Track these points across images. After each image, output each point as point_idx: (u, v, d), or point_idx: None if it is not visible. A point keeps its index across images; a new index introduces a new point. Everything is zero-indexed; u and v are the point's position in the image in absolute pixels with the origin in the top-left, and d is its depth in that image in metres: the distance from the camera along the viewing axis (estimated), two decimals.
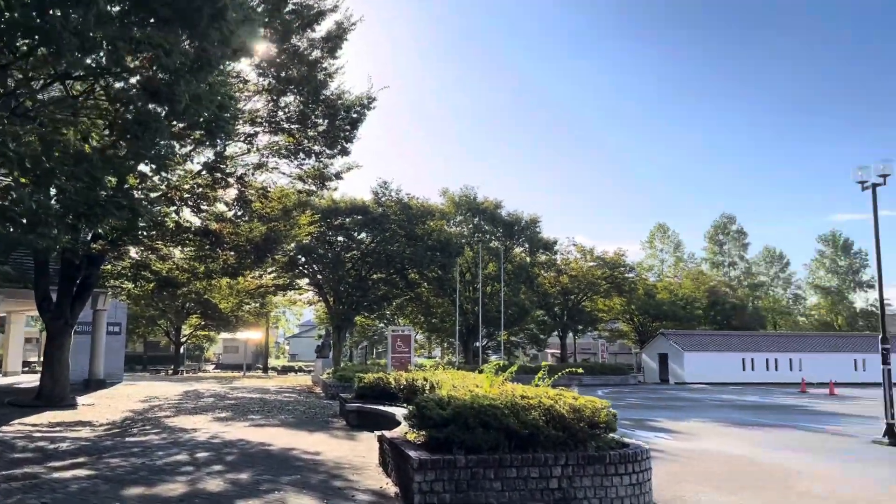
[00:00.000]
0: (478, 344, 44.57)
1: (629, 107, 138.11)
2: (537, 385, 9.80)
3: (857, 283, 78.85)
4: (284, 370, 63.13)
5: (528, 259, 50.60)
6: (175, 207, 20.62)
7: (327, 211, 39.10)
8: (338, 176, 24.09)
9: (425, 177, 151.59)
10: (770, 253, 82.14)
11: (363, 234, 42.90)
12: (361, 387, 17.01)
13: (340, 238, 42.93)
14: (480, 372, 11.95)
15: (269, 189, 23.10)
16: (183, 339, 56.51)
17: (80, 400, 20.83)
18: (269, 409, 20.03)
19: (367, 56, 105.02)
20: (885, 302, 64.71)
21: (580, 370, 17.86)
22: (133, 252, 24.62)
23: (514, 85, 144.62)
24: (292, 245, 32.85)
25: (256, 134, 21.98)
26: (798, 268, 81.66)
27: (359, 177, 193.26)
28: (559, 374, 11.73)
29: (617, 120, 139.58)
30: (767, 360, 49.76)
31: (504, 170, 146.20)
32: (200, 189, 21.48)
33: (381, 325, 63.59)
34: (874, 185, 15.52)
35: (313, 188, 24.72)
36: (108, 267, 24.62)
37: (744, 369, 48.77)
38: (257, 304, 51.62)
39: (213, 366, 70.52)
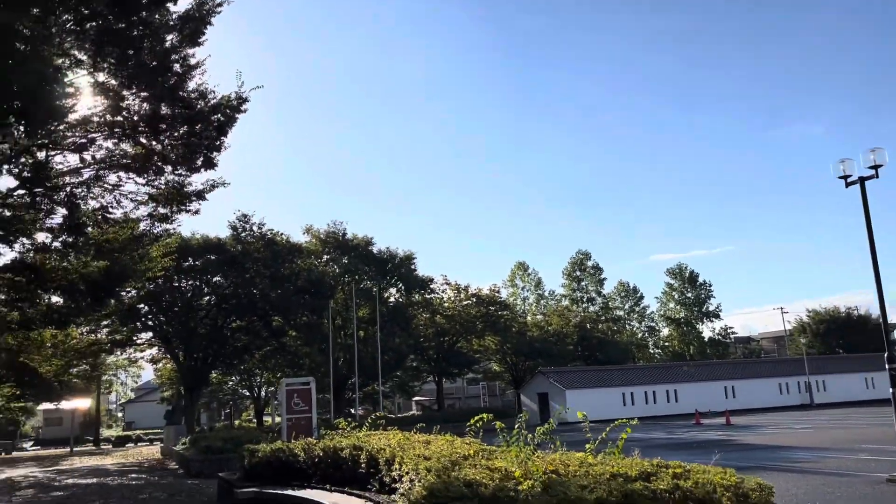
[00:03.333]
0: (355, 395, 39.98)
1: (478, 143, 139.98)
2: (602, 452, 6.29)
3: (703, 314, 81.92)
4: (120, 441, 55.08)
5: (402, 299, 46.94)
6: None
7: (176, 250, 33.24)
8: (200, 196, 19.48)
9: (288, 212, 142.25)
10: (624, 288, 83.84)
11: (219, 277, 37.28)
12: (255, 463, 12.48)
13: (192, 282, 37.11)
14: (460, 434, 8.24)
15: (110, 211, 18.02)
16: None
17: None
18: (115, 501, 14.83)
19: (235, 57, 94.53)
20: (730, 331, 64.44)
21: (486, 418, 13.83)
22: None
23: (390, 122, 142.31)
24: (143, 283, 26.63)
25: (93, 141, 17.14)
26: (651, 301, 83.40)
27: (211, 213, 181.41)
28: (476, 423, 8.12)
29: (466, 158, 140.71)
30: (646, 392, 49.05)
31: (369, 205, 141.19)
32: (13, 211, 16.26)
33: (231, 380, 57.25)
34: (862, 179, 13.55)
35: (166, 212, 19.86)
36: None
37: (624, 404, 47.59)
38: (86, 367, 43.05)
39: (32, 442, 60.12)
